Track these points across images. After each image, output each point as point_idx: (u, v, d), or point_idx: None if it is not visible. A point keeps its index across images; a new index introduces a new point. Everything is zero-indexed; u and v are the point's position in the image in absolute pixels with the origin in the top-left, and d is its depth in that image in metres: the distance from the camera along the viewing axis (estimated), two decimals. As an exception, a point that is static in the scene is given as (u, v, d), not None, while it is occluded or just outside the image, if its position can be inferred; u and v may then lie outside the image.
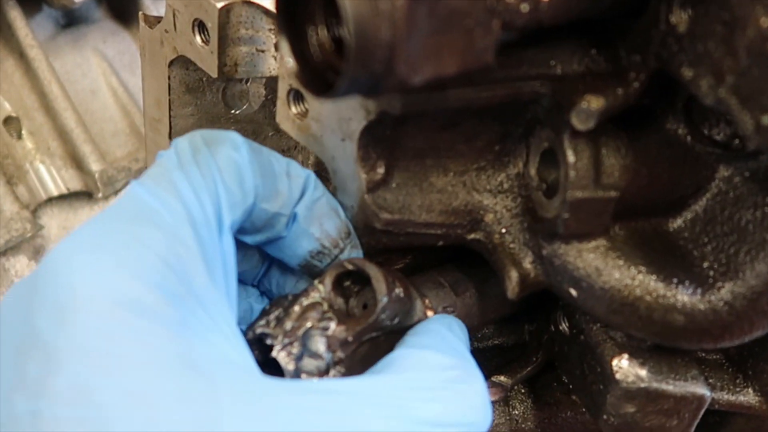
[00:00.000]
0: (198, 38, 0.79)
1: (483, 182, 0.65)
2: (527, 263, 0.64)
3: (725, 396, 0.72)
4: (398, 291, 0.61)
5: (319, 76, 0.50)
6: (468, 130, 0.63)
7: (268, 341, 0.58)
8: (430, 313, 0.66)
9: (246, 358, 0.53)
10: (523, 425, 0.83)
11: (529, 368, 0.80)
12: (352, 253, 0.65)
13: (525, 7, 0.50)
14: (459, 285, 0.71)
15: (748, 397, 0.73)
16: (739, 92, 0.48)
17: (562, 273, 0.62)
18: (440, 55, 0.47)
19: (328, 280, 0.61)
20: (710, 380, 0.72)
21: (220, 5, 0.75)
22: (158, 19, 0.86)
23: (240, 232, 0.62)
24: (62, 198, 1.47)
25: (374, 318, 0.59)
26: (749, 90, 0.48)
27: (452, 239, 0.66)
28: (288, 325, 0.59)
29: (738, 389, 0.73)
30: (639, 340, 0.68)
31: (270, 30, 0.79)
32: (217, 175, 0.56)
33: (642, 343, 0.68)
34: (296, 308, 0.59)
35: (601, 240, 0.62)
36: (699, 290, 0.60)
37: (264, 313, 0.60)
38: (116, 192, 1.49)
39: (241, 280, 0.71)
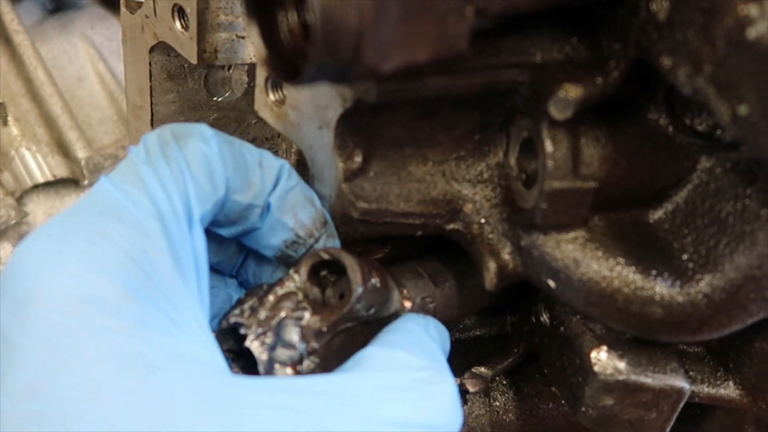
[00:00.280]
0: (177, 24, 0.78)
1: (462, 172, 0.64)
2: (506, 254, 0.64)
3: (706, 389, 0.72)
4: (374, 281, 0.60)
5: (290, 62, 0.49)
6: (447, 119, 0.62)
7: (242, 331, 0.58)
8: (407, 303, 0.66)
9: (213, 353, 0.52)
10: (504, 416, 0.82)
11: (510, 359, 0.79)
12: (328, 242, 0.64)
13: (500, -6, 0.49)
14: (438, 275, 0.70)
15: (728, 390, 0.72)
16: (717, 81, 0.47)
17: (541, 264, 0.62)
18: (411, 42, 0.46)
19: (304, 269, 0.60)
20: (691, 373, 0.71)
21: (199, -10, 0.74)
22: (139, 5, 0.85)
23: (214, 224, 0.61)
24: (48, 185, 1.46)
25: (349, 308, 0.59)
26: (726, 79, 0.47)
27: (431, 229, 0.66)
28: (262, 314, 0.58)
29: (719, 382, 0.72)
30: (618, 332, 0.67)
31: (250, 16, 0.78)
32: (186, 168, 0.55)
33: (621, 336, 0.67)
34: (270, 298, 0.59)
35: (579, 231, 0.61)
36: (678, 282, 0.59)
37: (239, 302, 0.60)
38: (103, 179, 1.48)
39: (220, 271, 0.71)
